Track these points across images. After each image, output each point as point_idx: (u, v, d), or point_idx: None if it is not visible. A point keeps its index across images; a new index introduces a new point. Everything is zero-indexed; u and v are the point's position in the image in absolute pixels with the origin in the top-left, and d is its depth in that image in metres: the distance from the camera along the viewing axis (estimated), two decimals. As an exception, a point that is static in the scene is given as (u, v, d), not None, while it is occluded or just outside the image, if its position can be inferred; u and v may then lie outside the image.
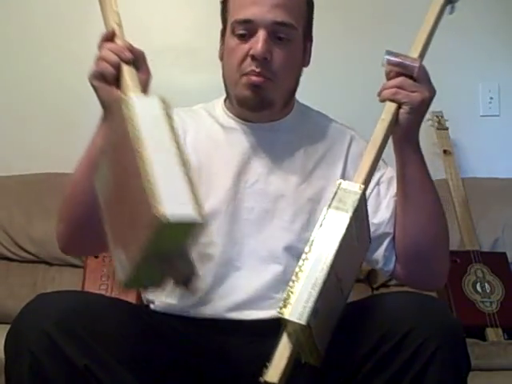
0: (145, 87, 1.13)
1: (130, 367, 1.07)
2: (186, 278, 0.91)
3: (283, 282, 1.13)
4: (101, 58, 1.13)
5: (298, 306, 0.90)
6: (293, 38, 1.23)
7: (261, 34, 1.20)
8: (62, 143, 2.40)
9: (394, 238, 1.24)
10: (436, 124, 2.26)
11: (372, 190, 1.26)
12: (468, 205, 2.09)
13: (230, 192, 1.26)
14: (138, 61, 1.15)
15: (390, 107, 1.14)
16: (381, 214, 1.25)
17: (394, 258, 1.25)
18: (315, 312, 0.91)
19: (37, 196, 2.20)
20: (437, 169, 2.27)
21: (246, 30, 1.22)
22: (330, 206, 0.99)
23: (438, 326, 1.01)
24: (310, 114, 1.36)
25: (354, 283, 1.08)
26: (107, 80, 1.11)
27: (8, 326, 1.08)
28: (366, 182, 1.07)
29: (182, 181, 0.88)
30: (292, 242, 1.23)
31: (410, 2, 2.43)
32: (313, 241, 0.96)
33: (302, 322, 0.89)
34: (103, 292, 1.91)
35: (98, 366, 1.03)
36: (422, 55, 1.18)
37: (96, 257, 1.98)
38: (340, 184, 1.02)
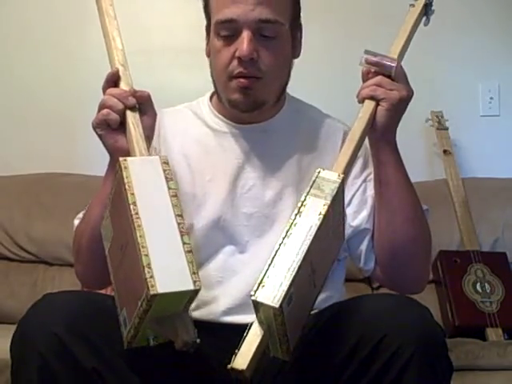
0: (150, 131, 1.14)
1: (136, 369, 1.06)
2: (184, 343, 0.93)
3: None
4: (104, 105, 1.11)
5: (272, 289, 0.88)
6: (280, 34, 1.19)
7: (245, 35, 1.16)
8: (62, 143, 2.40)
9: (373, 236, 1.23)
10: (436, 124, 2.26)
11: (359, 187, 1.26)
12: (468, 205, 2.09)
13: (226, 199, 1.24)
14: (143, 104, 1.14)
15: (369, 105, 1.14)
16: (364, 211, 1.24)
17: (373, 258, 1.24)
18: (289, 298, 0.89)
19: (37, 196, 2.20)
20: (437, 169, 2.28)
21: (230, 31, 1.18)
22: (308, 193, 0.99)
23: (413, 330, 0.98)
24: (303, 109, 1.34)
25: (325, 279, 1.06)
26: (112, 127, 1.10)
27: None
28: (343, 178, 1.07)
29: (176, 250, 0.91)
30: None
31: (403, 4, 2.44)
32: (290, 227, 0.95)
33: (276, 305, 0.87)
34: (103, 291, 1.91)
35: (106, 368, 1.02)
36: (400, 54, 1.18)
37: (96, 257, 1.98)
38: (319, 172, 1.01)
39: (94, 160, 2.30)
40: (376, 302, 1.04)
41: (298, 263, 0.91)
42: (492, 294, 1.92)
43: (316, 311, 1.10)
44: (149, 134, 1.12)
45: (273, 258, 0.92)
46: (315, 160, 1.27)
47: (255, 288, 0.89)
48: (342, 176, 1.02)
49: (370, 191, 1.25)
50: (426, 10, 1.26)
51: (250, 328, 0.93)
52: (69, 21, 2.43)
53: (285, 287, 0.88)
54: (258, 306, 0.90)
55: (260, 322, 0.93)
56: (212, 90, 1.31)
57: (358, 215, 1.24)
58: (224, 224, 1.23)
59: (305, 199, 0.98)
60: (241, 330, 0.98)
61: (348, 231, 1.23)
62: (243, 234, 1.23)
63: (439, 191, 2.13)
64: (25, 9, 2.44)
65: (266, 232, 1.23)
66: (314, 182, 1.00)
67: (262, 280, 0.90)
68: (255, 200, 1.24)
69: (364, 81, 1.17)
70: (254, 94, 1.20)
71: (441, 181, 2.18)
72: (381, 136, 1.16)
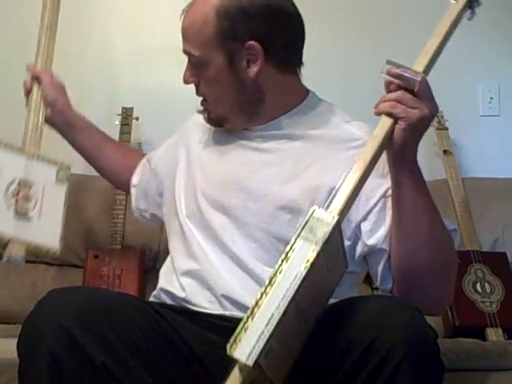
0: (51, 95, 1.60)
1: (144, 363, 1.08)
2: None
3: (252, 281, 1.21)
4: None
5: (247, 345, 0.84)
6: (201, 63, 1.27)
7: None
8: (62, 143, 2.39)
9: (390, 257, 1.19)
10: (436, 124, 2.26)
11: (376, 203, 1.20)
12: (468, 205, 2.09)
13: (217, 185, 1.30)
14: (38, 78, 1.60)
15: (386, 122, 1.07)
16: (381, 229, 1.19)
17: (391, 278, 1.20)
18: (267, 351, 0.85)
19: (37, 196, 2.20)
20: (437, 169, 2.27)
21: None
22: (298, 235, 0.93)
23: (404, 332, 0.97)
24: (323, 113, 1.32)
25: (322, 309, 1.03)
26: None
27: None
28: (347, 205, 1.00)
29: None
30: (266, 242, 1.23)
31: (411, 2, 2.44)
32: (275, 274, 0.90)
33: (250, 363, 0.83)
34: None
35: (115, 362, 1.03)
36: (426, 70, 1.11)
37: (96, 257, 1.99)
38: (313, 212, 0.95)
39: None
40: (367, 304, 1.04)
41: (278, 316, 0.86)
42: (492, 294, 1.92)
43: None
44: (50, 98, 1.60)
45: (253, 309, 0.87)
46: (316, 164, 1.26)
47: (231, 341, 0.86)
48: (336, 218, 0.95)
49: (390, 209, 1.19)
50: (471, 3, 1.16)
51: (231, 373, 0.90)
52: (69, 22, 2.41)
53: (262, 343, 0.84)
54: (234, 359, 0.86)
55: (240, 368, 0.89)
56: None
57: (373, 234, 1.20)
58: (213, 208, 1.29)
59: (294, 242, 0.92)
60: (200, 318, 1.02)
61: (364, 249, 1.21)
62: (228, 222, 1.27)
63: (439, 191, 2.12)
64: (27, 10, 2.43)
65: (246, 225, 1.25)
66: (306, 222, 0.94)
67: (239, 333, 0.86)
68: (244, 192, 1.27)
69: (386, 92, 1.10)
70: (208, 113, 1.34)
71: (441, 181, 2.18)
72: (398, 155, 1.11)
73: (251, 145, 1.31)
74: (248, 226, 1.25)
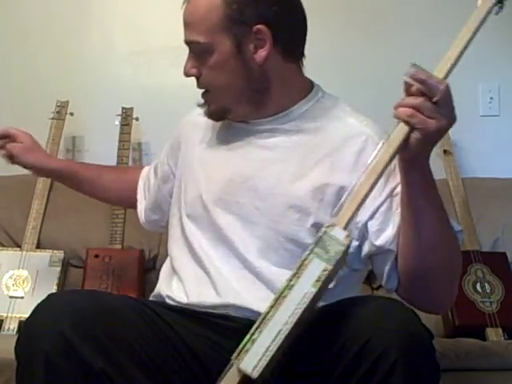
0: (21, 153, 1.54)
1: (142, 368, 1.07)
2: None
3: (260, 283, 1.19)
4: None
5: (253, 359, 0.87)
6: (206, 50, 1.23)
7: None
8: (62, 143, 2.39)
9: (397, 257, 1.18)
10: (436, 124, 2.26)
11: (383, 203, 1.19)
12: (468, 205, 2.09)
13: (223, 185, 1.27)
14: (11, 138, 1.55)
15: (402, 129, 1.05)
16: (389, 229, 1.18)
17: (396, 277, 1.19)
18: (270, 362, 0.88)
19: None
20: (437, 169, 2.27)
21: None
22: (312, 251, 0.92)
23: (398, 334, 0.97)
24: (329, 107, 1.30)
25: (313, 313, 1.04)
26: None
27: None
28: (355, 212, 1.02)
29: None
30: (275, 242, 1.21)
31: (411, 2, 2.44)
32: (285, 288, 0.90)
33: (255, 375, 0.86)
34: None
35: (114, 368, 1.03)
36: (446, 76, 1.07)
37: (96, 256, 1.99)
38: (328, 227, 0.94)
39: (92, 160, 2.31)
40: (362, 305, 1.04)
41: (286, 332, 0.88)
42: (492, 294, 1.92)
43: None
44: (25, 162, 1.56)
45: (261, 321, 0.89)
46: (324, 161, 1.24)
47: (238, 351, 0.87)
48: (349, 239, 0.95)
49: (396, 208, 1.18)
50: None
51: (227, 373, 0.92)
52: (70, 22, 2.43)
53: (268, 358, 0.87)
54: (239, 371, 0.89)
55: (239, 372, 0.91)
56: None
57: (381, 234, 1.18)
58: (216, 208, 1.27)
59: (306, 258, 0.92)
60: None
61: (371, 249, 1.20)
62: (233, 221, 1.25)
63: (439, 191, 2.12)
64: (27, 10, 2.44)
65: (253, 224, 1.24)
66: (320, 238, 0.93)
67: (245, 343, 0.88)
68: (250, 191, 1.25)
69: (406, 93, 1.06)
70: (209, 105, 1.30)
71: (441, 181, 2.17)
72: (410, 160, 1.10)
73: (256, 141, 1.29)
74: (256, 225, 1.23)
